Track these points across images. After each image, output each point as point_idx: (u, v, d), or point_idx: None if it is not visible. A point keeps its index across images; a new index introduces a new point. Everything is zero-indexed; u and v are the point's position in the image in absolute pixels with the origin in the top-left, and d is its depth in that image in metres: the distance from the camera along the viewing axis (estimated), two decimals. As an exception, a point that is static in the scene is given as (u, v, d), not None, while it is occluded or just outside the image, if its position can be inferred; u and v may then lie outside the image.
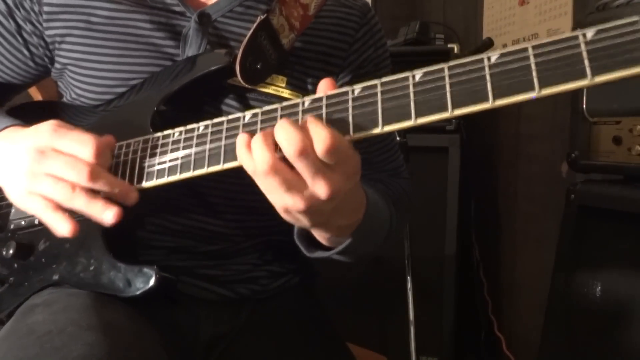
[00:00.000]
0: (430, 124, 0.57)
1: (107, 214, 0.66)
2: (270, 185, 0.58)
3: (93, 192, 0.67)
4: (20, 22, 0.83)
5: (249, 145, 0.58)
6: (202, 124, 0.68)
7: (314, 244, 0.71)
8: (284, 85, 0.80)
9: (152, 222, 0.80)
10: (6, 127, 0.75)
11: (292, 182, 0.57)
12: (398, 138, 1.39)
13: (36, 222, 0.76)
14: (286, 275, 0.90)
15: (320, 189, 0.56)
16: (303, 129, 0.55)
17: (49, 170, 0.66)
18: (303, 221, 0.62)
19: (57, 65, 0.85)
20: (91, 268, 0.73)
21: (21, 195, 0.69)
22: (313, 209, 0.58)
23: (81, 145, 0.66)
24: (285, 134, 0.55)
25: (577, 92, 1.24)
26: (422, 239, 1.66)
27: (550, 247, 1.32)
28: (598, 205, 1.17)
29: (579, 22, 1.23)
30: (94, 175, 0.65)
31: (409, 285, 1.44)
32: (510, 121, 1.96)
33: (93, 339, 0.61)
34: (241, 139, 0.59)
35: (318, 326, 0.90)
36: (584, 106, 1.19)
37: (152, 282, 0.70)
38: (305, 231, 0.70)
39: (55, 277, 0.75)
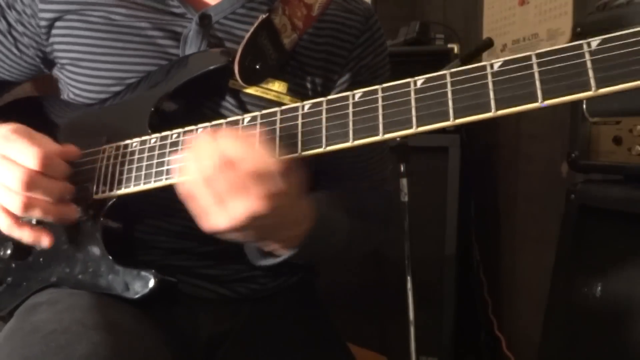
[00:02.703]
0: (430, 124, 0.56)
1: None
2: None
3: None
4: (12, 22, 0.84)
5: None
6: (200, 126, 0.68)
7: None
8: (285, 91, 0.80)
9: (150, 224, 0.80)
10: None
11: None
12: (398, 138, 1.39)
13: (34, 222, 0.75)
14: (285, 274, 0.89)
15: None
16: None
17: None
18: (248, 237, 0.65)
19: (56, 64, 0.85)
20: (89, 270, 0.73)
21: None
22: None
23: (24, 155, 0.66)
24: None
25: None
26: (422, 239, 1.65)
27: (550, 247, 1.32)
28: (598, 205, 1.17)
29: (579, 22, 1.23)
30: (29, 185, 0.65)
31: (409, 285, 1.44)
32: (510, 121, 1.96)
33: (98, 338, 0.61)
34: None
35: (318, 326, 0.90)
36: (584, 106, 1.19)
37: (150, 285, 0.70)
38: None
39: (54, 278, 0.75)
